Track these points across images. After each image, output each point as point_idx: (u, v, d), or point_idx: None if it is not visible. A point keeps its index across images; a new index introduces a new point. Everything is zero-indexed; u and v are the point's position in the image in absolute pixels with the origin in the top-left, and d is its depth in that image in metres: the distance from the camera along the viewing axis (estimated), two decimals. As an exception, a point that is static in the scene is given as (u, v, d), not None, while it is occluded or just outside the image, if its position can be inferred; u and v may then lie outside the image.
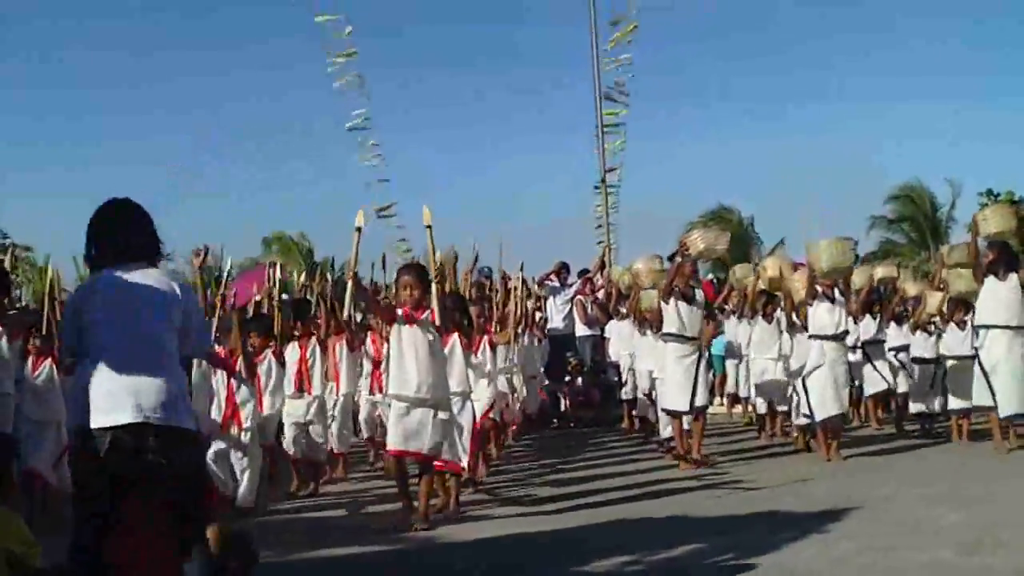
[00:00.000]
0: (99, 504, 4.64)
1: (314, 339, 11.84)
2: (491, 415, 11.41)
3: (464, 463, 9.85)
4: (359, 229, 9.36)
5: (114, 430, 4.62)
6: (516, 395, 13.67)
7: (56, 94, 60.09)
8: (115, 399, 4.68)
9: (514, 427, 14.55)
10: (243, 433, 9.93)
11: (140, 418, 4.66)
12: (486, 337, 11.33)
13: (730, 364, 16.36)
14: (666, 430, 12.75)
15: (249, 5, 62.38)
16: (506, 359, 12.78)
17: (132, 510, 4.65)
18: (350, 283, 9.69)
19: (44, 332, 10.61)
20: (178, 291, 5.07)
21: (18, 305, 12.13)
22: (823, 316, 12.30)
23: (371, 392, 12.40)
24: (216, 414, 9.90)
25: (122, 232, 5.06)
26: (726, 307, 16.29)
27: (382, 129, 22.13)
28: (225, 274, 12.81)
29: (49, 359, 10.50)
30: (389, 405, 9.37)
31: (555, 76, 57.58)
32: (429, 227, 9.59)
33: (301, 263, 38.89)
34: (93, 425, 4.64)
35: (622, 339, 16.40)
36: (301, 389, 11.56)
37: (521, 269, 14.04)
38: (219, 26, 61.79)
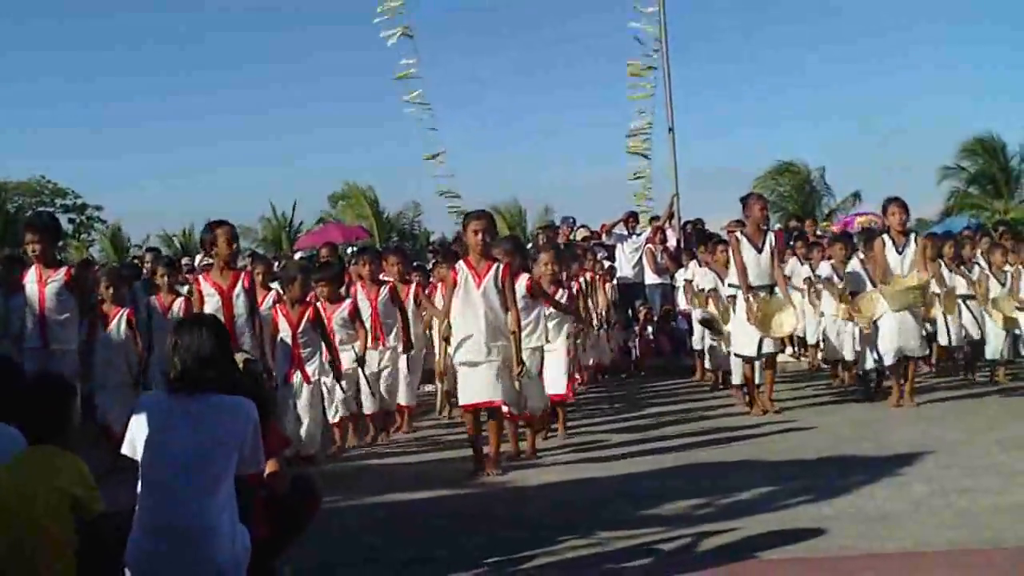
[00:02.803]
0: None
1: (385, 289, 11.78)
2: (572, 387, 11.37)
3: (538, 410, 9.89)
4: None
5: None
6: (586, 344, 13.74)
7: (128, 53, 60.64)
8: None
9: (584, 376, 14.58)
10: (306, 385, 10.03)
11: None
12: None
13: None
14: (737, 376, 12.70)
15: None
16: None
17: None
18: None
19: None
20: None
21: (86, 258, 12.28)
22: (890, 265, 12.13)
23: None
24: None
25: None
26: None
27: (429, 78, 21.63)
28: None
29: (125, 313, 10.65)
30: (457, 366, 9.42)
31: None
32: None
33: (369, 216, 39.14)
34: None
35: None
36: (373, 340, 11.50)
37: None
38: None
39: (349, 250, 14.09)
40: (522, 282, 9.81)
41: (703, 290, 14.33)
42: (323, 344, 10.25)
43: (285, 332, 10.11)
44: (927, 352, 12.86)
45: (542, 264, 10.76)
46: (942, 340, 14.58)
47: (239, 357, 5.54)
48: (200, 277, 9.69)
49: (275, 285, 11.59)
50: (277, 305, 10.43)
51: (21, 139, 59.72)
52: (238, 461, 4.86)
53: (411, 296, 12.23)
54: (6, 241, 37.75)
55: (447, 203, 22.19)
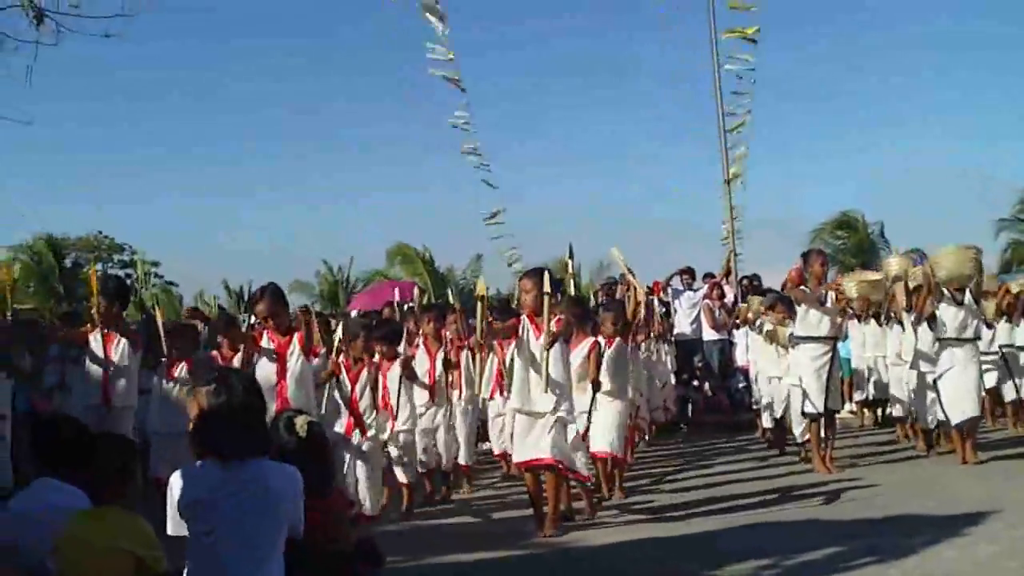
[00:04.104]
0: None
1: (442, 347, 11.82)
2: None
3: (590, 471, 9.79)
4: (481, 298, 9.37)
5: None
6: (647, 400, 13.72)
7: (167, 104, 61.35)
8: None
9: (644, 434, 14.55)
10: (366, 443, 10.04)
11: None
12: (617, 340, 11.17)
13: (858, 366, 16.10)
14: (800, 433, 12.59)
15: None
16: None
17: None
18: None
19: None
20: None
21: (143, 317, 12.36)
22: (949, 320, 12.07)
23: (491, 396, 12.46)
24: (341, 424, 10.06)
25: None
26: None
27: (486, 131, 21.54)
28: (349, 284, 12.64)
29: (183, 363, 10.67)
30: (514, 417, 9.41)
31: (672, 72, 56.62)
32: (548, 295, 9.05)
33: (424, 275, 39.21)
34: None
35: (752, 345, 16.06)
36: (431, 397, 11.58)
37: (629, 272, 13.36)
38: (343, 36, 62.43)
39: (406, 307, 14.07)
40: (585, 346, 9.83)
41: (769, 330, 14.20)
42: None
43: (345, 389, 10.16)
44: (980, 412, 12.65)
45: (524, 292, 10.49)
46: (1007, 395, 14.48)
47: (301, 419, 5.51)
48: (265, 332, 9.71)
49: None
50: (339, 361, 10.48)
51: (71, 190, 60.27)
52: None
53: (465, 352, 12.31)
54: (64, 296, 38.25)
55: (512, 266, 22.16)
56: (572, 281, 11.71)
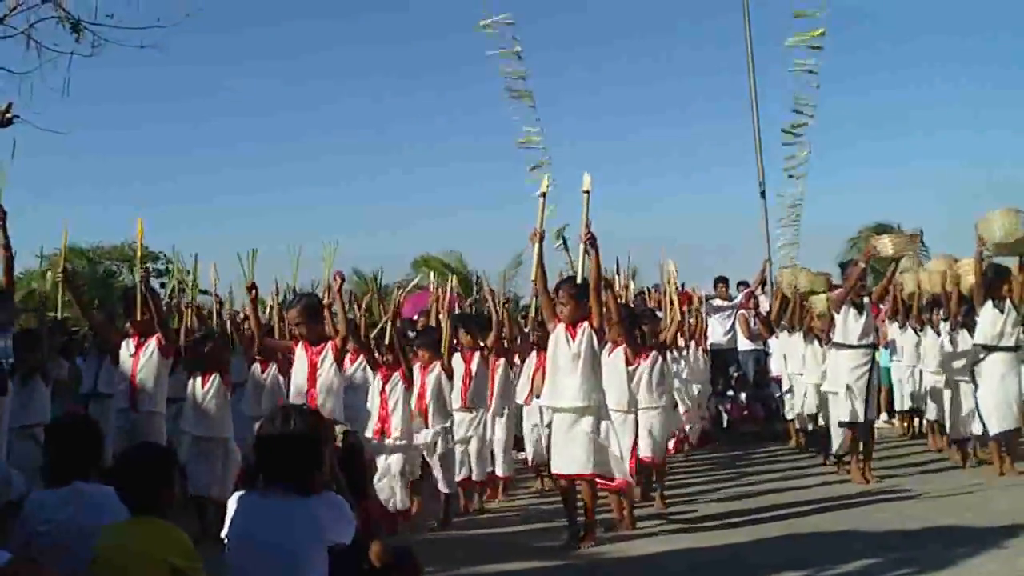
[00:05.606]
0: None
1: (478, 355, 11.80)
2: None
3: (627, 478, 9.72)
4: (544, 194, 9.32)
5: None
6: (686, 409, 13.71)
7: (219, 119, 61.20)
8: None
9: (678, 442, 14.51)
10: (399, 449, 10.06)
11: None
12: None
13: (893, 375, 16.01)
14: (837, 443, 12.50)
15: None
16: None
17: None
18: (535, 249, 9.23)
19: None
20: None
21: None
22: (988, 325, 11.99)
23: (526, 402, 12.49)
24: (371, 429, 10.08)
25: None
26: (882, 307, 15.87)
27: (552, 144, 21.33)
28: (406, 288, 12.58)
29: (216, 374, 10.63)
30: (548, 425, 9.37)
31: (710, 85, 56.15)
32: (587, 192, 9.17)
33: (456, 283, 39.15)
34: None
35: (789, 353, 15.97)
36: (468, 405, 11.55)
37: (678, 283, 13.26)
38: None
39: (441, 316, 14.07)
40: (620, 351, 9.84)
41: None
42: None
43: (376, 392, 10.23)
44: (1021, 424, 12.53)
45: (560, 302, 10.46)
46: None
47: (337, 429, 5.52)
48: (301, 343, 9.77)
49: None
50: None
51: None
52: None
53: (502, 361, 12.34)
54: (97, 304, 38.41)
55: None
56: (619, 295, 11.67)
